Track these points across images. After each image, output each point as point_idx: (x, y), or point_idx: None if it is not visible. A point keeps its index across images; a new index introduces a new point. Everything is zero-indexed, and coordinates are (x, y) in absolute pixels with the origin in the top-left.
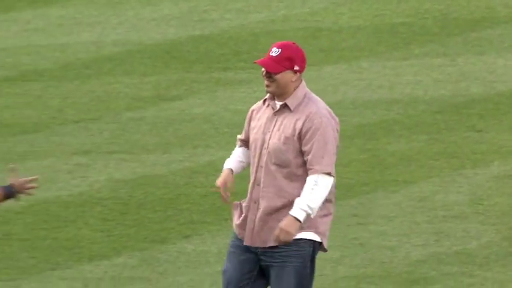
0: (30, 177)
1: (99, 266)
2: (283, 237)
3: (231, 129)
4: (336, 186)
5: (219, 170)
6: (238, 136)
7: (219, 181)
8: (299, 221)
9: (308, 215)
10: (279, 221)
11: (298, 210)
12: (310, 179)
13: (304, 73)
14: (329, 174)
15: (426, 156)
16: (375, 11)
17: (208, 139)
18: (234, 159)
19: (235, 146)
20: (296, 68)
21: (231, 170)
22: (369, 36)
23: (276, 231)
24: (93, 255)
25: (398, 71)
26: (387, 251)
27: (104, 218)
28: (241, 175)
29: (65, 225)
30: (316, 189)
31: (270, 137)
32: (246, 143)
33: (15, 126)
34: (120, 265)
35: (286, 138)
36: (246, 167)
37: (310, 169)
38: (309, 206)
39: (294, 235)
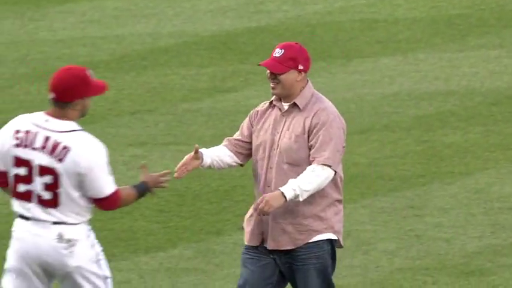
0: (163, 172)
1: (154, 257)
2: (264, 208)
3: None
4: (392, 178)
5: None
6: (229, 137)
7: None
8: (285, 197)
9: (296, 196)
10: (292, 223)
11: (288, 189)
12: (309, 167)
13: (309, 72)
14: (329, 166)
15: (482, 148)
16: (431, 2)
17: None
18: (211, 151)
19: None
20: (300, 67)
21: (201, 153)
22: (425, 28)
23: (259, 200)
24: (149, 247)
25: (454, 63)
26: (443, 243)
27: (160, 210)
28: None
29: (120, 216)
30: (311, 176)
31: (279, 138)
32: (233, 144)
33: None
34: (176, 257)
35: (297, 136)
36: (217, 166)
37: (312, 160)
38: (299, 187)
39: (275, 208)
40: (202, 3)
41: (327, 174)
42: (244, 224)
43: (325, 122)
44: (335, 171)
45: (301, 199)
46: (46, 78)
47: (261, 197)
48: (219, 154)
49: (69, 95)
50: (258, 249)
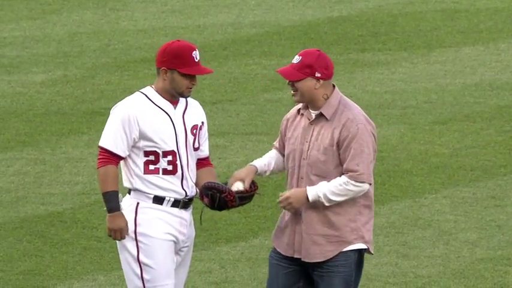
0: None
1: (236, 247)
2: (286, 207)
3: (368, 111)
4: (474, 168)
5: None
6: (274, 143)
7: (239, 173)
8: (308, 199)
9: (319, 200)
10: (323, 235)
11: (313, 192)
12: (343, 178)
13: (332, 79)
14: (363, 182)
15: None
16: None
17: None
18: (264, 160)
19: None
20: (317, 74)
21: (256, 168)
22: (506, 18)
23: (282, 198)
24: (230, 237)
25: None
26: None
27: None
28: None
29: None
30: (342, 189)
31: (308, 148)
32: (282, 147)
33: None
34: (257, 246)
35: (325, 148)
36: (274, 171)
37: (345, 173)
38: (326, 196)
39: (294, 208)
40: None
41: (360, 189)
42: (276, 230)
43: (355, 133)
44: (370, 183)
45: (327, 204)
46: (127, 68)
47: (285, 195)
48: (273, 160)
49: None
50: (285, 256)
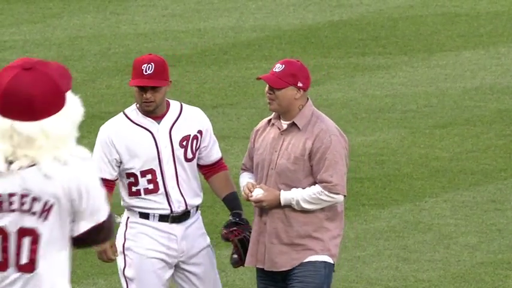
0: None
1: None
2: (257, 205)
3: (369, 115)
4: (474, 172)
5: (359, 155)
6: (243, 161)
7: (248, 185)
8: (280, 202)
9: (291, 205)
10: (287, 244)
11: (287, 197)
12: (317, 188)
13: (309, 91)
14: (337, 193)
15: None
16: None
17: (346, 124)
18: (249, 180)
19: (373, 132)
20: (300, 84)
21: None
22: (507, 22)
23: (255, 198)
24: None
25: None
26: None
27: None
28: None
29: (202, 210)
30: (316, 198)
31: (277, 157)
32: (249, 168)
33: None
34: None
35: (296, 158)
36: None
37: (319, 183)
38: (299, 204)
39: (265, 207)
40: None
41: (334, 200)
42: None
43: (328, 145)
44: (344, 195)
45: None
46: (128, 72)
47: (259, 197)
48: (253, 179)
49: None
50: (267, 274)
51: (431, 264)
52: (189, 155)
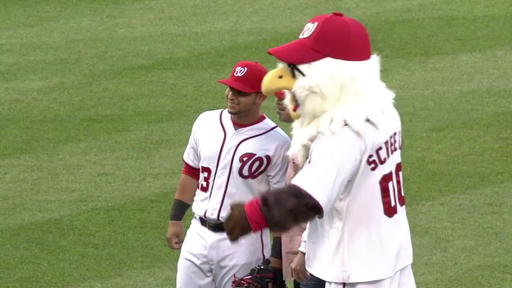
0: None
1: None
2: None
3: None
4: (471, 175)
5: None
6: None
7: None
8: None
9: None
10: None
11: None
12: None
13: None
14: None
15: None
16: (510, 0)
17: None
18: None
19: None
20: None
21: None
22: (504, 25)
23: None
24: None
25: None
26: None
27: None
28: None
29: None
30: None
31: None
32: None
33: (150, 115)
34: None
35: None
36: None
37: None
38: None
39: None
40: (281, 0)
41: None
42: None
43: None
44: None
45: None
46: (125, 75)
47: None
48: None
49: None
50: None
51: (428, 268)
52: (245, 172)
